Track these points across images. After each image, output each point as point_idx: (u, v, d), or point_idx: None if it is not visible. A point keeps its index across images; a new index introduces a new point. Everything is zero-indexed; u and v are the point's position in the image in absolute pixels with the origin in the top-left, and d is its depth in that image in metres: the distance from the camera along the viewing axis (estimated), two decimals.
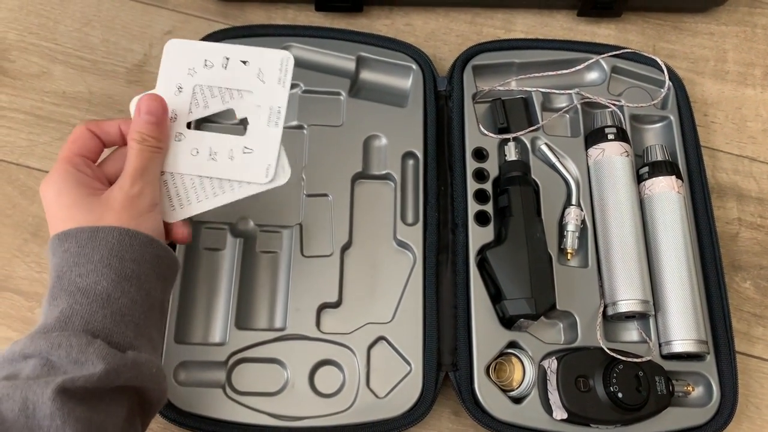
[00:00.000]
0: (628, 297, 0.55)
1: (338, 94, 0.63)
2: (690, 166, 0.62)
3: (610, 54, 0.65)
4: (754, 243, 0.64)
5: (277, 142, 0.47)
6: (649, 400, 0.52)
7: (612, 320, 0.57)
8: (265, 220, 0.58)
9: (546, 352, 0.55)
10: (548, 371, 0.53)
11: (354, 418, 0.52)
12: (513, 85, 0.65)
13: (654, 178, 0.60)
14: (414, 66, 0.64)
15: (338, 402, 0.53)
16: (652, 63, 0.66)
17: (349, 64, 0.64)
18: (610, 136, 0.60)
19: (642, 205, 0.60)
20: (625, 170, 0.59)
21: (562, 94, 0.64)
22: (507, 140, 0.61)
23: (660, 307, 0.57)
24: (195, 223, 0.58)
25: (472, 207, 0.59)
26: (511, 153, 0.61)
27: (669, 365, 0.56)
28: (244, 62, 0.48)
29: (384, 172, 0.61)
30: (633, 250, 0.57)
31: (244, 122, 0.48)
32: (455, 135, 0.61)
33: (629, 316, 0.57)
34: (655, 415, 0.53)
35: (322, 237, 0.58)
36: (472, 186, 0.59)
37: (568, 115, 0.65)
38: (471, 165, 0.60)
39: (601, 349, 0.54)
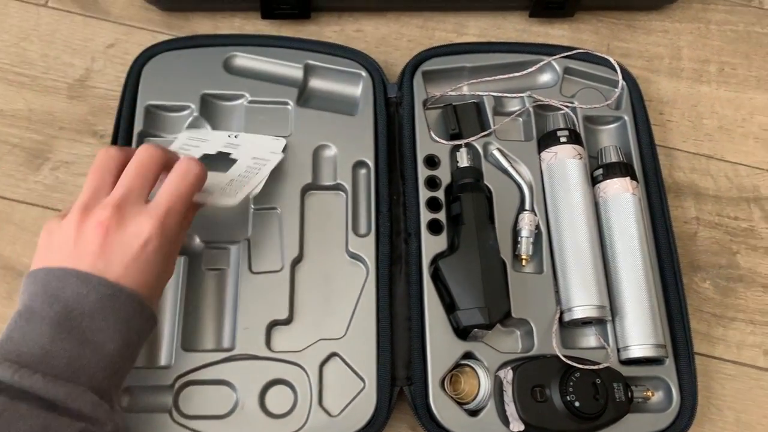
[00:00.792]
0: (583, 303, 0.55)
1: (285, 103, 0.61)
2: (645, 166, 0.62)
3: (562, 55, 0.64)
4: (713, 242, 0.64)
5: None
6: (608, 407, 0.51)
7: (569, 326, 0.56)
8: (211, 237, 0.57)
9: (502, 362, 0.54)
10: (504, 382, 0.52)
11: None
12: (465, 89, 0.64)
13: (608, 180, 0.59)
14: (363, 73, 0.62)
15: (290, 422, 0.52)
16: (605, 63, 0.65)
17: (297, 73, 0.62)
18: (563, 139, 0.59)
19: (597, 208, 0.59)
20: (578, 173, 0.58)
21: (515, 97, 0.63)
22: (459, 146, 0.60)
23: (617, 312, 0.56)
24: None
25: (425, 215, 0.57)
26: (463, 159, 0.59)
27: (628, 371, 0.55)
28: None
29: (334, 182, 0.59)
30: (588, 255, 0.56)
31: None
32: (406, 142, 0.60)
33: (586, 322, 0.56)
34: (614, 423, 0.52)
35: (271, 252, 0.56)
36: (424, 194, 0.58)
37: (521, 119, 0.64)
38: (423, 173, 0.59)
39: (558, 357, 0.53)
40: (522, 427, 0.51)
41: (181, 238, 0.48)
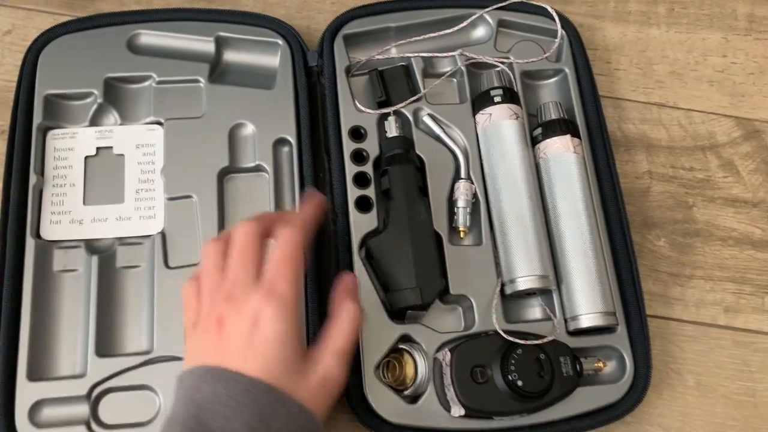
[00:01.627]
0: (525, 273, 0.51)
1: (197, 81, 0.56)
2: (589, 121, 0.57)
3: (495, 7, 0.60)
4: (667, 196, 0.60)
5: None
6: (554, 384, 0.48)
7: (512, 299, 0.53)
8: (123, 232, 0.53)
9: (441, 342, 0.50)
10: (443, 364, 0.49)
11: None
12: (393, 52, 0.59)
13: (548, 140, 0.55)
14: (280, 41, 0.58)
15: None
16: (543, 12, 0.60)
17: (208, 47, 0.58)
18: (497, 99, 0.55)
19: (538, 171, 0.55)
20: (514, 135, 0.54)
21: (446, 57, 0.59)
22: (386, 115, 0.56)
23: (563, 281, 0.52)
24: (46, 243, 0.52)
25: (352, 192, 0.53)
26: (392, 128, 0.55)
27: (577, 342, 0.52)
28: None
29: (254, 163, 0.55)
30: (528, 222, 0.52)
31: None
32: (329, 114, 0.56)
33: (530, 293, 0.52)
34: (563, 399, 0.49)
35: (189, 244, 0.52)
36: (350, 169, 0.54)
37: (454, 80, 0.59)
38: (348, 146, 0.55)
39: (499, 333, 0.50)
40: (463, 412, 0.48)
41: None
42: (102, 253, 0.52)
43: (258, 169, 0.55)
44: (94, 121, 0.56)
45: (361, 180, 0.54)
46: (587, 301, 0.51)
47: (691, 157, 0.61)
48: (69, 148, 0.55)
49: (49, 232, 0.52)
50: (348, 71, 0.57)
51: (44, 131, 0.55)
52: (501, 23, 0.60)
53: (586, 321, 0.51)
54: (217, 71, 0.58)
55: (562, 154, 0.54)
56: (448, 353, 0.49)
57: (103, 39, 0.57)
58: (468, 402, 0.47)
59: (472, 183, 0.55)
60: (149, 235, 0.53)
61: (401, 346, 0.51)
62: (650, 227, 0.59)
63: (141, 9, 0.60)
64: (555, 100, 0.57)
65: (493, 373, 0.48)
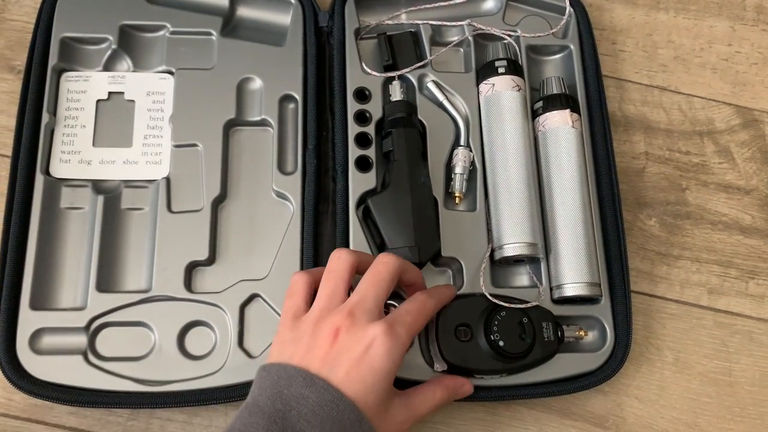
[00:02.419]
0: (514, 240, 0.52)
1: (209, 34, 0.58)
2: (590, 97, 0.59)
3: None
4: (661, 178, 0.61)
5: None
6: (534, 347, 0.50)
7: (501, 265, 0.55)
8: (130, 175, 0.54)
9: None
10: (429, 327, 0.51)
11: (224, 379, 0.50)
12: (403, 18, 0.61)
13: (547, 113, 0.56)
14: (293, 0, 0.59)
15: (208, 364, 0.50)
16: None
17: (222, 1, 0.59)
18: (501, 70, 0.56)
19: (536, 143, 0.57)
20: (515, 106, 0.55)
21: (454, 26, 0.60)
22: (391, 79, 0.57)
23: (552, 250, 0.54)
24: (54, 180, 0.54)
25: (353, 152, 0.55)
26: (396, 92, 0.56)
27: (562, 310, 0.53)
28: None
29: (260, 117, 0.56)
30: (521, 191, 0.53)
31: None
32: (336, 75, 0.57)
33: (518, 260, 0.54)
34: (543, 362, 0.51)
35: (192, 190, 0.54)
36: (353, 129, 0.55)
37: (461, 50, 0.60)
38: (352, 107, 0.56)
39: (485, 295, 0.51)
40: (445, 367, 0.49)
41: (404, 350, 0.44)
42: (108, 193, 0.54)
43: (263, 123, 0.57)
44: (108, 67, 0.57)
45: (362, 140, 0.55)
46: (573, 271, 0.53)
47: (688, 141, 0.62)
48: (82, 90, 0.56)
49: (58, 170, 0.54)
50: (357, 34, 0.59)
51: (59, 73, 0.56)
52: None
53: (571, 290, 0.52)
54: (230, 25, 0.59)
55: (561, 128, 0.55)
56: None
57: None
58: (450, 358, 0.49)
59: (471, 151, 0.56)
60: (154, 180, 0.54)
61: (390, 302, 0.52)
62: (642, 206, 0.60)
63: None
64: (558, 75, 0.58)
65: (476, 332, 0.50)
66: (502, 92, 0.56)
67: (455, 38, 0.60)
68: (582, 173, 0.55)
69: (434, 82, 0.57)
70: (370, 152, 0.55)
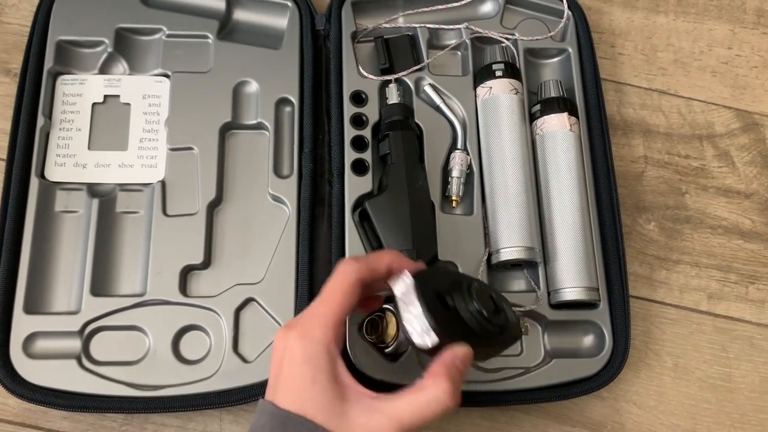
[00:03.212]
0: (511, 244, 0.52)
1: (205, 37, 0.58)
2: (588, 102, 0.58)
3: None
4: (660, 182, 0.61)
5: None
6: (508, 324, 0.44)
7: (498, 269, 0.54)
8: (125, 178, 0.54)
9: None
10: (400, 298, 0.42)
11: (219, 384, 0.49)
12: (400, 21, 0.60)
13: (545, 116, 0.56)
14: (290, 3, 0.59)
15: (203, 368, 0.50)
16: None
17: (219, 4, 0.59)
18: (498, 73, 0.56)
19: (534, 146, 0.56)
20: (512, 109, 0.55)
21: (452, 29, 0.60)
22: (388, 82, 0.57)
23: (550, 254, 0.53)
24: (49, 183, 0.54)
25: (349, 155, 0.54)
26: (393, 96, 0.56)
27: (559, 315, 0.53)
28: None
29: (256, 121, 0.56)
30: (519, 195, 0.53)
31: None
32: (333, 78, 0.57)
33: (515, 264, 0.54)
34: (512, 344, 0.46)
35: (187, 194, 0.54)
36: (349, 132, 0.55)
37: (459, 53, 0.60)
38: (349, 110, 0.56)
39: (447, 270, 0.48)
40: (436, 339, 0.42)
41: (331, 349, 0.39)
42: (103, 197, 0.54)
43: (259, 126, 0.56)
44: (104, 70, 0.57)
45: (359, 143, 0.55)
46: (571, 276, 0.52)
47: (687, 145, 0.62)
48: (77, 93, 0.56)
49: (53, 174, 0.54)
50: (354, 37, 0.58)
51: (54, 76, 0.56)
52: (509, 0, 0.60)
53: (569, 294, 0.52)
54: (226, 29, 0.59)
55: (558, 131, 0.55)
56: (408, 279, 0.43)
57: None
58: (440, 326, 0.41)
59: (468, 154, 0.56)
60: (149, 183, 0.54)
61: (385, 306, 0.52)
62: (641, 211, 0.60)
63: None
64: (556, 78, 0.58)
65: (456, 301, 0.43)
66: (500, 95, 0.55)
67: (453, 41, 0.60)
68: (580, 177, 0.55)
69: (431, 85, 0.57)
70: (367, 155, 0.55)
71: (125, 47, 0.57)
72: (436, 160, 0.55)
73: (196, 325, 0.51)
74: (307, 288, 0.52)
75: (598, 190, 0.56)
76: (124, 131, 0.56)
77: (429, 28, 0.59)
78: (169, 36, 0.57)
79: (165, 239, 0.52)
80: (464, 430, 0.52)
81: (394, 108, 0.56)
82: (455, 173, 0.55)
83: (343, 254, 0.52)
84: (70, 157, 0.55)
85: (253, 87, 0.57)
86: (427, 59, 0.58)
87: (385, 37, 0.59)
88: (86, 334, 0.50)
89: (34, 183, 0.53)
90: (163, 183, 0.54)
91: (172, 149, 0.55)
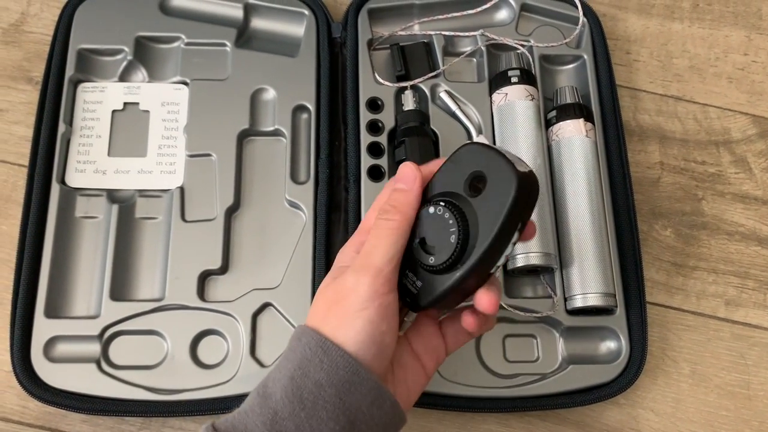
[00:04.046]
0: (527, 250, 0.52)
1: (223, 45, 0.58)
2: (604, 108, 0.58)
3: None
4: (677, 188, 0.60)
5: None
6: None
7: (514, 275, 0.54)
8: (144, 185, 0.55)
9: None
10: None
11: (236, 388, 0.50)
12: (416, 29, 0.61)
13: (561, 123, 0.56)
14: (306, 12, 0.59)
15: (220, 373, 0.50)
16: None
17: (236, 12, 0.60)
18: (514, 80, 0.56)
19: (549, 152, 0.56)
20: (528, 115, 0.55)
21: (467, 36, 0.60)
22: (404, 88, 0.57)
23: (566, 260, 0.53)
24: (70, 189, 0.54)
25: (366, 161, 0.55)
26: (409, 102, 0.56)
27: (576, 320, 0.53)
28: None
29: (273, 128, 0.57)
30: None
31: None
32: (349, 85, 0.57)
33: (532, 270, 0.54)
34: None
35: (205, 200, 0.54)
36: (365, 139, 0.55)
37: (474, 60, 0.61)
38: (365, 116, 0.56)
39: None
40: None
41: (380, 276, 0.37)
42: (122, 203, 0.54)
43: (276, 133, 0.57)
44: (123, 77, 0.58)
45: (375, 150, 0.55)
46: (587, 281, 0.52)
47: (704, 151, 0.62)
48: (98, 101, 0.57)
49: (73, 180, 0.55)
50: (370, 44, 0.59)
51: (75, 84, 0.57)
52: (524, 7, 0.61)
53: (585, 300, 0.52)
54: (244, 37, 0.60)
55: (574, 137, 0.55)
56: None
57: None
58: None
59: None
60: (168, 189, 0.55)
61: None
62: (657, 217, 0.59)
63: None
64: (572, 85, 0.58)
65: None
66: (516, 101, 0.56)
67: (468, 48, 0.60)
68: (596, 183, 0.55)
69: (447, 91, 0.57)
70: (383, 162, 0.55)
71: (145, 55, 0.58)
72: None
73: (214, 329, 0.51)
74: None
75: (615, 196, 0.56)
76: (143, 138, 0.56)
77: (444, 35, 0.60)
78: (187, 44, 0.58)
79: (183, 244, 0.53)
80: None
81: (409, 114, 0.56)
82: None
83: None
84: (91, 164, 0.55)
85: (270, 94, 0.57)
86: (443, 66, 0.58)
87: (400, 44, 0.59)
88: (105, 338, 0.51)
89: (55, 189, 0.53)
90: (181, 189, 0.54)
91: (191, 156, 0.55)
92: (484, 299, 0.37)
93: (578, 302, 0.52)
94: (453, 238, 0.36)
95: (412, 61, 0.59)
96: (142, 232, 0.54)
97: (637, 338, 0.52)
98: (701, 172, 0.61)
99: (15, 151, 0.57)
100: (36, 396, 0.48)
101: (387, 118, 0.56)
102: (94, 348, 0.50)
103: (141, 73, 0.58)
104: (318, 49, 0.59)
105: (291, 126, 0.57)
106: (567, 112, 0.56)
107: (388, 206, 0.38)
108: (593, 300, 0.52)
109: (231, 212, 0.55)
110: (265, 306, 0.52)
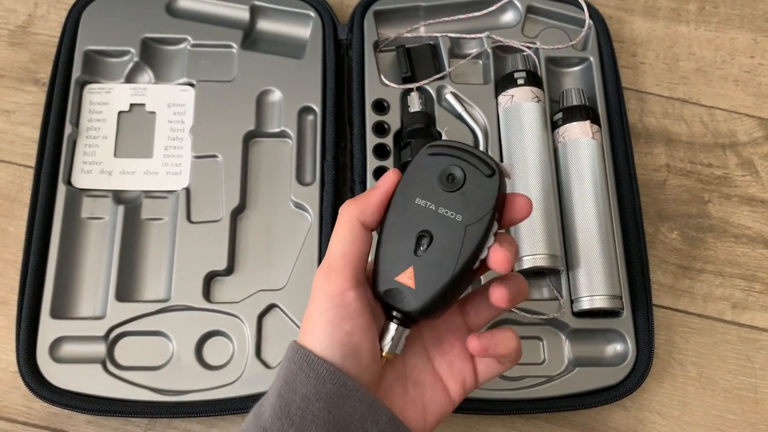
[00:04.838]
0: (534, 252, 0.52)
1: (230, 46, 0.58)
2: (610, 110, 0.58)
3: None
4: (683, 190, 0.60)
5: None
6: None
7: None
8: (150, 185, 0.55)
9: None
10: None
11: (241, 389, 0.49)
12: (422, 31, 0.61)
13: (567, 124, 0.56)
14: (312, 14, 0.60)
15: (225, 374, 0.50)
16: (572, 1, 0.61)
17: (242, 14, 0.60)
18: (520, 81, 0.56)
19: (556, 154, 0.56)
20: (534, 117, 0.55)
21: (473, 38, 0.60)
22: (410, 90, 0.57)
23: (572, 262, 0.53)
24: (76, 190, 0.54)
25: (371, 163, 0.55)
26: (414, 104, 0.56)
27: (582, 323, 0.52)
28: None
29: (279, 129, 0.57)
30: (541, 202, 0.53)
31: None
32: (355, 86, 0.57)
33: (538, 272, 0.53)
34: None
35: (211, 201, 0.54)
36: (371, 140, 0.55)
37: (480, 62, 0.61)
38: (371, 118, 0.56)
39: None
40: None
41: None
42: (128, 204, 0.54)
43: (282, 134, 0.57)
44: (130, 79, 0.58)
45: (380, 151, 0.55)
46: (594, 284, 0.52)
47: (710, 153, 0.61)
48: (104, 102, 0.57)
49: (79, 181, 0.55)
50: (376, 46, 0.59)
51: (82, 85, 0.57)
52: (530, 9, 0.61)
53: (592, 302, 0.52)
54: (250, 38, 0.60)
55: (581, 139, 0.55)
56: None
57: (143, 1, 0.59)
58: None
59: None
60: (174, 191, 0.55)
61: None
62: (664, 219, 0.59)
63: None
64: (578, 87, 0.58)
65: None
66: (522, 103, 0.56)
67: (474, 50, 0.60)
68: (602, 185, 0.55)
69: (453, 93, 0.57)
70: (389, 163, 0.55)
71: (151, 57, 0.58)
72: None
73: (220, 330, 0.51)
74: None
75: (621, 199, 0.56)
76: (149, 139, 0.56)
77: (450, 37, 0.60)
78: (194, 46, 0.58)
79: (189, 245, 0.53)
80: None
81: (415, 116, 0.56)
82: None
83: None
84: (97, 165, 0.55)
85: (276, 96, 0.58)
86: (449, 68, 0.58)
87: (406, 46, 0.59)
88: (111, 339, 0.51)
89: (62, 190, 0.53)
90: (187, 190, 0.54)
91: (197, 157, 0.55)
92: (497, 257, 0.34)
93: (585, 304, 0.52)
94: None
95: (418, 62, 0.59)
96: (148, 233, 0.54)
97: (644, 341, 0.52)
98: (708, 175, 0.61)
99: (21, 152, 0.58)
100: (41, 396, 0.48)
101: (393, 119, 0.56)
102: (100, 349, 0.50)
103: (147, 75, 0.58)
104: (324, 50, 0.59)
105: (297, 127, 0.57)
106: (573, 114, 0.56)
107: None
108: (600, 302, 0.52)
109: (237, 213, 0.55)
110: (271, 307, 0.52)
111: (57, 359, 0.50)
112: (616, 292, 0.52)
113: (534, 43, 0.59)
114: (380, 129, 0.56)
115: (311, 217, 0.54)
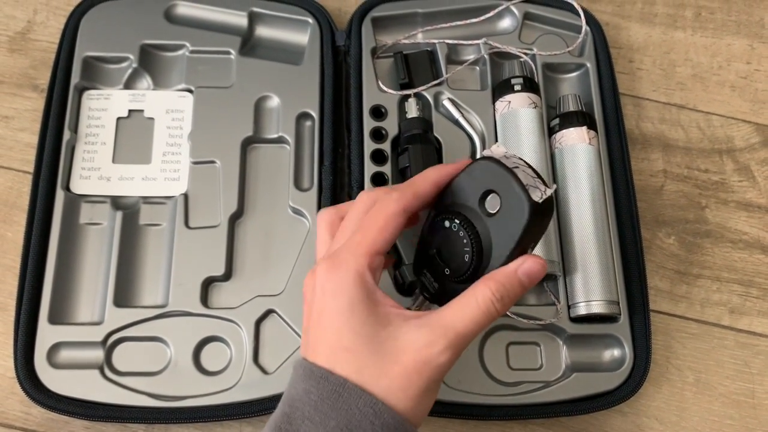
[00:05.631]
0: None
1: (228, 53, 0.59)
2: (607, 115, 0.58)
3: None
4: (680, 196, 0.60)
5: None
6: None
7: None
8: (148, 191, 0.55)
9: None
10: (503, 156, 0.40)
11: (239, 395, 0.50)
12: (420, 37, 0.61)
13: (564, 130, 0.56)
14: (310, 20, 0.60)
15: (224, 379, 0.50)
16: (569, 7, 0.61)
17: (241, 21, 0.60)
18: (517, 87, 0.56)
19: (552, 160, 0.56)
20: (531, 122, 0.55)
21: (470, 44, 0.60)
22: (407, 96, 0.57)
23: (570, 267, 0.53)
24: (75, 196, 0.54)
25: (369, 168, 0.55)
26: (412, 110, 0.57)
27: (579, 328, 0.53)
28: None
29: (277, 135, 0.57)
30: None
31: None
32: (353, 92, 0.57)
33: None
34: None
35: (209, 206, 0.54)
36: (369, 146, 0.56)
37: (477, 68, 0.61)
38: (368, 124, 0.56)
39: None
40: (551, 187, 0.39)
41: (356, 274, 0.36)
42: (126, 209, 0.54)
43: (280, 140, 0.57)
44: (128, 85, 0.58)
45: (378, 157, 0.56)
46: (591, 289, 0.52)
47: (707, 159, 0.62)
48: (103, 108, 0.57)
49: (78, 186, 0.55)
50: (374, 53, 0.59)
51: (80, 91, 0.57)
52: (527, 16, 0.61)
53: (589, 308, 0.52)
54: (248, 45, 0.60)
55: (577, 145, 0.55)
56: (500, 145, 0.41)
57: (142, 7, 0.59)
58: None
59: None
60: (172, 196, 0.55)
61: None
62: (661, 225, 0.59)
63: None
64: (575, 93, 0.58)
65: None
66: (519, 109, 0.56)
67: (471, 57, 0.60)
68: (599, 190, 0.55)
69: (450, 99, 0.58)
70: (386, 169, 0.55)
71: (150, 63, 0.59)
72: None
73: (217, 336, 0.51)
74: None
75: (618, 204, 0.56)
76: (147, 145, 0.57)
77: (448, 43, 0.60)
78: (192, 52, 0.59)
79: (187, 251, 0.53)
80: None
81: (413, 121, 0.56)
82: None
83: None
84: (95, 170, 0.56)
85: (274, 102, 0.58)
86: (446, 74, 0.59)
87: (404, 52, 0.59)
88: (109, 345, 0.51)
89: (60, 195, 0.54)
90: (185, 196, 0.55)
91: (195, 162, 0.56)
92: (530, 266, 0.38)
93: (582, 310, 0.52)
94: (467, 257, 0.39)
95: (415, 69, 0.59)
96: (146, 238, 0.54)
97: (641, 346, 0.52)
98: (704, 180, 0.61)
99: (20, 158, 0.58)
100: (39, 402, 0.48)
101: (390, 125, 0.57)
102: (98, 354, 0.50)
103: (146, 81, 0.59)
104: (322, 57, 0.59)
105: (295, 133, 0.57)
106: (570, 120, 0.56)
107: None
108: (597, 308, 0.52)
109: (235, 219, 0.55)
110: (269, 313, 0.52)
111: (55, 365, 0.50)
112: (613, 297, 0.52)
113: (531, 50, 0.60)
114: (378, 135, 0.56)
115: (309, 222, 0.54)
